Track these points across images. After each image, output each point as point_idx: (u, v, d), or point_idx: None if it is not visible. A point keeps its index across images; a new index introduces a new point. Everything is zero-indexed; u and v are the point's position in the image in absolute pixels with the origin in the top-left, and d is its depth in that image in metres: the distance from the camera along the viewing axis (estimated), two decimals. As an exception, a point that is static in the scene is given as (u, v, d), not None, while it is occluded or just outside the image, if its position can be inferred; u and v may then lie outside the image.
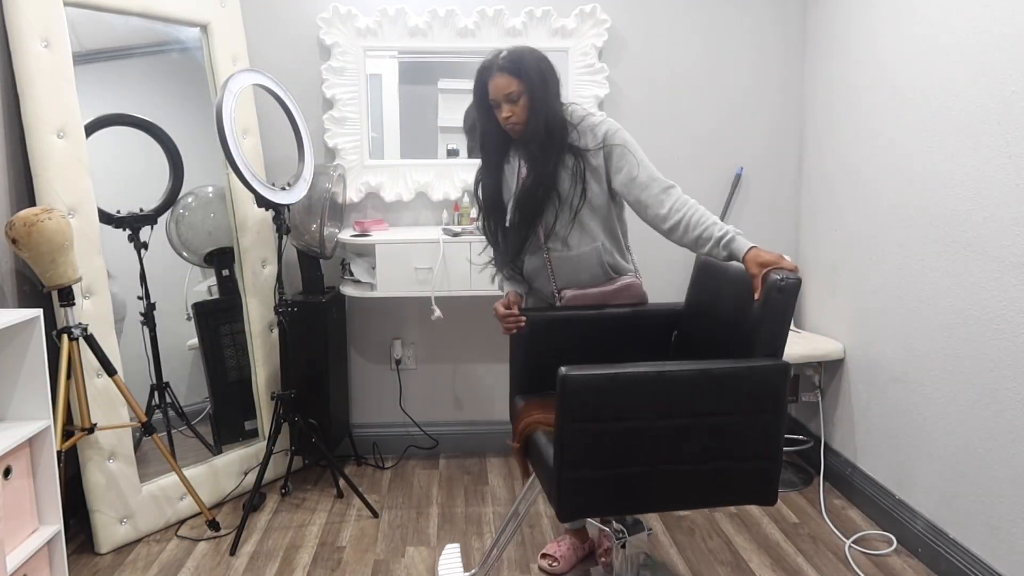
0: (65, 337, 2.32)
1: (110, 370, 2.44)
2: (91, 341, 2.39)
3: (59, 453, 2.18)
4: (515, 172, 2.22)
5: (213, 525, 2.68)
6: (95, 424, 2.43)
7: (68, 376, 2.33)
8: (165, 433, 2.80)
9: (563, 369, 1.73)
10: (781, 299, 1.85)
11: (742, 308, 1.97)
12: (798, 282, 1.86)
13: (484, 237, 2.33)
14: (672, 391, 1.78)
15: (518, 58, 2.10)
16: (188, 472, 2.74)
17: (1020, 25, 2.03)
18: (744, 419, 1.81)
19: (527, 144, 2.15)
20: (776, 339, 1.87)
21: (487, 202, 2.26)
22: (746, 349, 1.91)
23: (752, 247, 1.95)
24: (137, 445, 2.64)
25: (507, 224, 2.24)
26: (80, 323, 2.37)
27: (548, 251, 2.23)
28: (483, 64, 2.14)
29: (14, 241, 2.20)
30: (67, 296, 2.33)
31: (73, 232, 2.31)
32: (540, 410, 2.07)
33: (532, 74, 2.09)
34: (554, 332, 2.24)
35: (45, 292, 2.32)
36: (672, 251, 3.34)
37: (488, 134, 2.21)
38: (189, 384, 2.98)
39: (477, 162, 2.29)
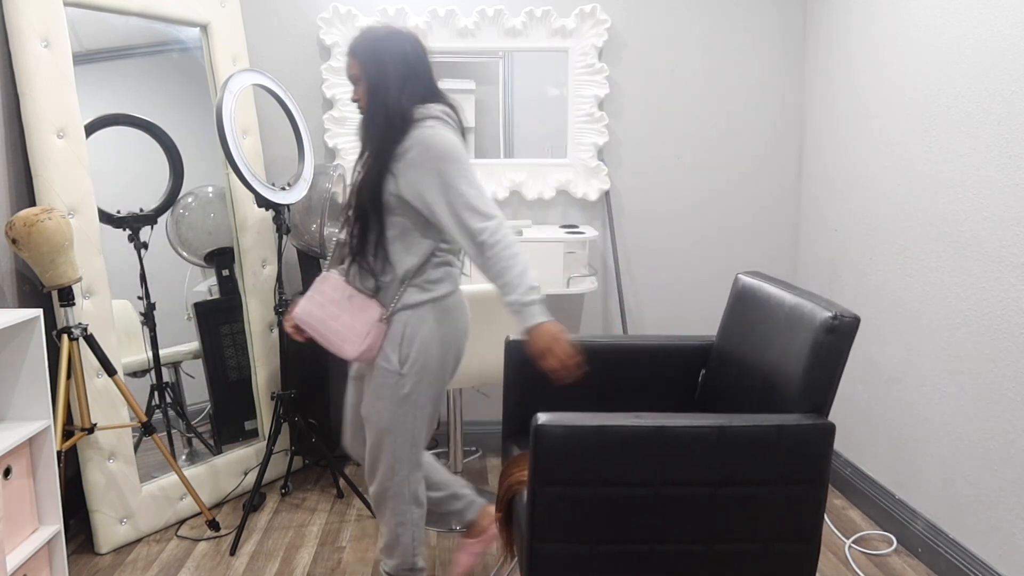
0: (65, 337, 2.32)
1: (110, 370, 2.44)
2: (91, 341, 2.39)
3: (59, 453, 2.18)
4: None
5: (213, 525, 2.68)
6: (95, 424, 2.43)
7: (68, 376, 2.33)
8: (165, 433, 2.80)
9: (540, 417, 1.45)
10: (832, 342, 1.50)
11: (785, 347, 1.63)
12: (855, 321, 1.51)
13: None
14: (678, 452, 1.46)
15: (360, 39, 1.89)
16: (188, 472, 2.74)
17: (1020, 25, 2.03)
18: (773, 491, 1.48)
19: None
20: (821, 391, 1.54)
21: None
22: (785, 400, 1.58)
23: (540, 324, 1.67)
24: (137, 446, 2.64)
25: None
26: (80, 323, 2.37)
27: None
28: None
29: (14, 241, 2.21)
30: (67, 296, 2.33)
31: (73, 232, 2.31)
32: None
33: (367, 57, 1.87)
34: None
35: (45, 292, 2.32)
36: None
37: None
38: (189, 384, 2.98)
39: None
